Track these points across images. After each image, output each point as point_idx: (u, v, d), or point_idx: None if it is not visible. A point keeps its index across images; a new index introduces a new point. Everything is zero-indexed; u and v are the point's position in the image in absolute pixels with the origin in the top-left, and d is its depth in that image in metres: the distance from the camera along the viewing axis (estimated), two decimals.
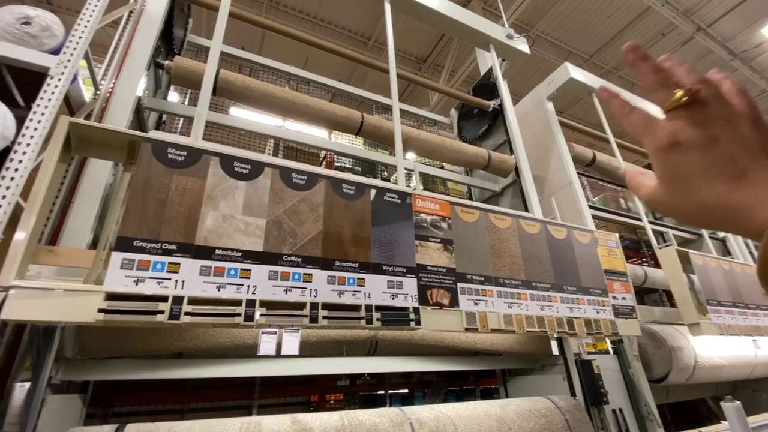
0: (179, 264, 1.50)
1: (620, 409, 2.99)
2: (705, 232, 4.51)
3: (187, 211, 1.57)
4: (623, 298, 2.77)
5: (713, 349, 3.67)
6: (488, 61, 4.16)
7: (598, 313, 2.53)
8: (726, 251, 5.09)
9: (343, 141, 3.90)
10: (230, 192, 1.67)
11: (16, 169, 1.65)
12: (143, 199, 1.52)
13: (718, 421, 3.58)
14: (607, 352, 3.12)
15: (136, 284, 1.41)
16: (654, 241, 3.64)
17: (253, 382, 2.93)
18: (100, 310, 1.33)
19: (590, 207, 4.05)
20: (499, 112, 3.89)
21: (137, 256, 1.45)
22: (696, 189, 0.29)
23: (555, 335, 2.37)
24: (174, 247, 1.51)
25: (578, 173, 4.19)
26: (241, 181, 1.72)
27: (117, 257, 1.42)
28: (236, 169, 1.72)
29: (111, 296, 1.37)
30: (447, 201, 2.24)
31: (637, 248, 5.82)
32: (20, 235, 1.34)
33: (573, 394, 2.89)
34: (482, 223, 2.30)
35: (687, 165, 0.30)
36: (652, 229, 3.98)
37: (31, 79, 2.01)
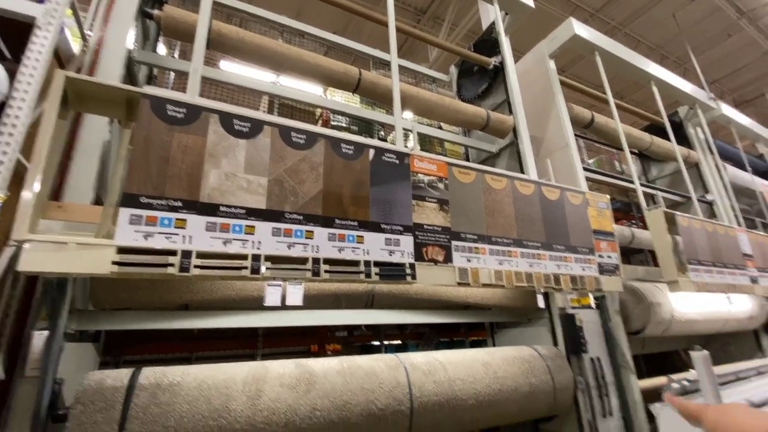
0: (186, 220, 1.55)
1: (598, 358, 3.23)
2: (694, 195, 4.61)
3: (189, 169, 1.60)
4: (609, 257, 2.91)
5: (689, 305, 3.90)
6: (491, 14, 4.01)
7: (583, 270, 2.67)
8: (712, 214, 5.25)
9: (339, 99, 3.83)
10: (231, 150, 1.69)
11: (14, 125, 1.65)
12: (146, 157, 1.55)
13: (688, 371, 3.89)
14: (590, 307, 3.31)
15: (146, 239, 1.48)
16: (643, 204, 3.74)
17: (256, 332, 3.10)
18: (114, 263, 1.39)
19: (585, 169, 4.10)
20: (500, 69, 3.81)
21: (145, 212, 1.50)
22: None
23: (542, 290, 2.51)
24: (180, 204, 1.56)
25: (575, 135, 4.19)
26: (241, 139, 1.73)
27: (125, 213, 1.47)
28: (236, 128, 1.73)
29: (122, 250, 1.44)
30: (444, 162, 2.27)
31: (627, 210, 5.95)
32: (29, 190, 1.38)
33: (555, 344, 3.11)
34: (478, 184, 2.35)
35: None
36: (643, 192, 4.07)
37: (14, 31, 1.94)
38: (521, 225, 2.43)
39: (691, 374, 3.08)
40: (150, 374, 1.83)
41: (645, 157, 6.14)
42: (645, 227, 4.76)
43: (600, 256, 2.83)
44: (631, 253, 5.89)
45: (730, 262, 3.84)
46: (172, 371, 1.89)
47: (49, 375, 1.65)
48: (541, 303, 2.75)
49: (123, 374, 1.80)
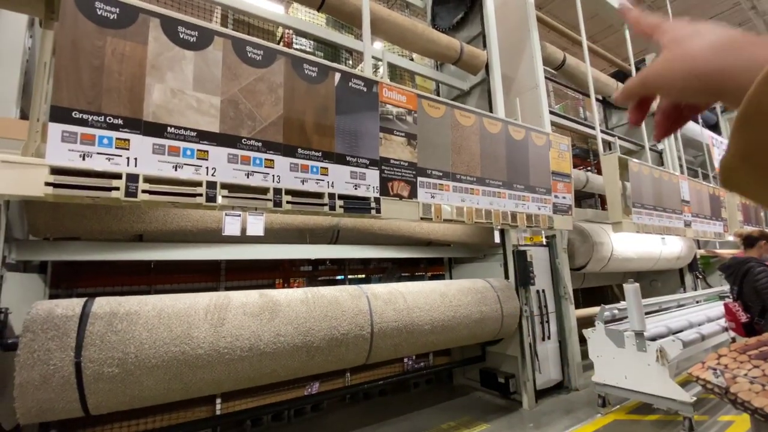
0: (128, 140, 1.41)
1: (543, 290, 3.54)
2: (647, 144, 4.85)
3: (129, 82, 1.42)
4: (563, 198, 3.06)
5: (628, 244, 4.28)
6: None
7: (539, 209, 2.80)
8: (660, 162, 5.58)
9: (303, 17, 3.47)
10: (177, 63, 1.51)
11: None
12: (75, 64, 1.34)
13: (618, 303, 4.39)
14: (542, 245, 3.55)
15: (83, 159, 1.34)
16: (601, 149, 3.89)
17: (218, 266, 3.06)
18: (48, 184, 1.26)
19: (551, 112, 4.14)
20: None
21: (79, 129, 1.33)
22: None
23: (499, 227, 2.63)
24: (120, 121, 1.40)
25: (545, 78, 4.15)
26: (188, 50, 1.54)
27: (55, 129, 1.31)
28: (182, 36, 1.52)
29: (57, 170, 1.30)
30: (414, 93, 2.18)
31: (585, 157, 6.20)
32: None
33: (507, 277, 3.35)
34: (447, 119, 2.30)
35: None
36: (602, 139, 4.21)
37: None
38: (485, 163, 2.45)
39: (620, 305, 3.47)
40: (104, 303, 1.78)
41: (608, 104, 6.27)
42: (599, 173, 5.01)
43: (556, 196, 2.97)
44: (583, 198, 6.26)
45: (669, 206, 4.18)
46: (128, 301, 1.85)
47: None
48: (497, 238, 2.89)
49: (75, 303, 1.74)
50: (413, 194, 2.16)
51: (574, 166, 4.05)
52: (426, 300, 2.60)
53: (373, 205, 2.02)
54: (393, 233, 3.11)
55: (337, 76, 1.91)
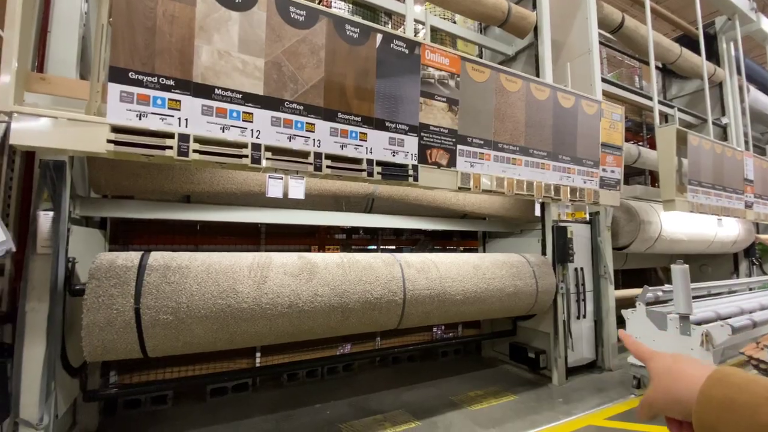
0: (180, 101, 1.46)
1: (582, 268, 3.43)
2: (710, 116, 4.42)
3: (179, 43, 1.46)
4: (612, 171, 2.88)
5: (678, 224, 4.01)
6: None
7: (585, 182, 2.66)
8: (724, 138, 5.10)
9: None
10: (223, 24, 1.52)
11: None
12: (129, 25, 1.39)
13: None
14: (584, 221, 3.40)
15: (140, 119, 1.41)
16: (657, 121, 3.59)
17: (259, 230, 3.20)
18: (110, 141, 1.35)
19: (603, 80, 3.85)
20: None
21: (135, 90, 1.40)
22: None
23: (540, 200, 2.53)
24: (172, 82, 1.45)
25: (600, 43, 3.82)
26: (234, 11, 1.55)
27: (114, 89, 1.38)
28: None
29: (117, 129, 1.38)
30: (458, 56, 2.08)
31: (637, 131, 5.77)
32: (7, 60, 1.26)
33: (544, 253, 3.26)
34: (491, 83, 2.20)
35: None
36: (659, 111, 3.88)
37: None
38: (530, 132, 2.34)
39: (665, 287, 3.30)
40: (159, 257, 1.92)
41: (668, 73, 5.73)
42: (652, 149, 4.66)
43: (604, 170, 2.80)
44: (631, 176, 5.88)
45: (729, 185, 3.85)
46: (179, 256, 1.98)
47: (60, 253, 1.71)
48: (537, 211, 2.79)
49: (133, 256, 1.89)
50: (452, 163, 2.12)
51: (625, 141, 3.79)
52: (459, 271, 2.60)
53: (410, 172, 2.00)
54: (428, 204, 3.09)
55: (379, 37, 1.86)
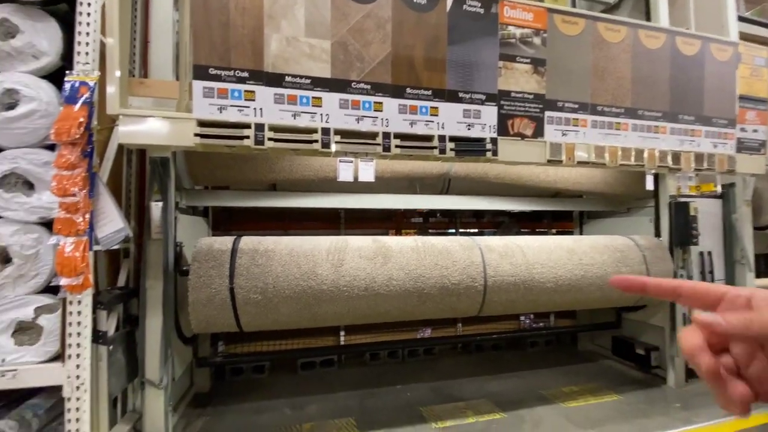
0: (254, 92, 1.52)
1: (709, 252, 2.84)
2: None
3: (251, 34, 1.50)
4: (754, 131, 2.27)
5: None
6: None
7: (715, 147, 2.14)
8: None
9: None
10: (289, 9, 1.52)
11: (89, 3, 1.66)
12: (207, 23, 1.47)
13: None
14: (713, 195, 2.78)
15: (221, 112, 1.49)
16: None
17: (338, 215, 3.30)
18: (196, 135, 1.45)
19: (740, 19, 3.05)
20: None
21: (215, 85, 1.48)
22: None
23: (653, 171, 2.10)
24: (246, 74, 1.51)
25: None
26: None
27: (198, 86, 1.47)
28: None
29: (202, 123, 1.48)
30: (544, 8, 1.80)
31: None
32: (112, 69, 1.43)
33: (658, 235, 2.77)
34: (587, 36, 1.87)
35: None
36: None
37: None
38: (639, 89, 1.94)
39: None
40: (248, 241, 2.08)
41: None
42: None
43: (742, 129, 2.22)
44: None
45: None
46: (265, 240, 2.12)
47: (169, 239, 1.95)
48: (649, 184, 2.33)
49: (227, 240, 2.08)
50: (538, 132, 1.87)
51: None
52: (549, 256, 2.34)
53: (488, 146, 1.82)
54: (512, 182, 2.83)
55: (449, 0, 1.69)
